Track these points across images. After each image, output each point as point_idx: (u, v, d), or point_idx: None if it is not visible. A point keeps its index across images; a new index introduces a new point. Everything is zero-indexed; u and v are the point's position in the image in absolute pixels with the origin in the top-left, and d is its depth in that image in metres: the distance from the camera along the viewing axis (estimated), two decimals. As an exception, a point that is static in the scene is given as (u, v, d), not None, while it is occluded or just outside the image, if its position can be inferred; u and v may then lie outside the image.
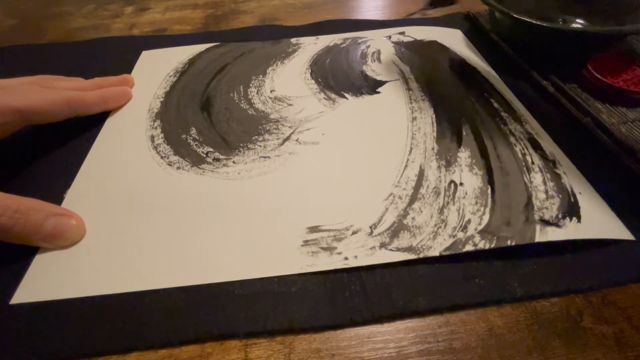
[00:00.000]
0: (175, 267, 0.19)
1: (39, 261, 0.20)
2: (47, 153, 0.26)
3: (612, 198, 0.22)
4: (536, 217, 0.21)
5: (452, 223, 0.21)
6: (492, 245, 0.19)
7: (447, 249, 0.19)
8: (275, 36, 0.39)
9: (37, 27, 0.45)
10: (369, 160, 0.25)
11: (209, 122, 0.28)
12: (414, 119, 0.28)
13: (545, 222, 0.20)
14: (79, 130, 0.28)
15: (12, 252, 0.20)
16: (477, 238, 0.20)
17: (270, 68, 0.34)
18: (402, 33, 0.39)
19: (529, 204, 0.21)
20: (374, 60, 0.35)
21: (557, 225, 0.20)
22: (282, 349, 0.17)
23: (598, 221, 0.21)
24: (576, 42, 0.31)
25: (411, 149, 0.25)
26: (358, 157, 0.25)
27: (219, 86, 0.32)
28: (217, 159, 0.25)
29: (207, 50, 0.37)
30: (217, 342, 0.17)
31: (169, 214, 0.22)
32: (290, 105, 0.30)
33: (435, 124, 0.27)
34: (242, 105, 0.30)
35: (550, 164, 0.24)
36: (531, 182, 0.23)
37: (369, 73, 0.33)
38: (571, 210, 0.21)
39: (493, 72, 0.33)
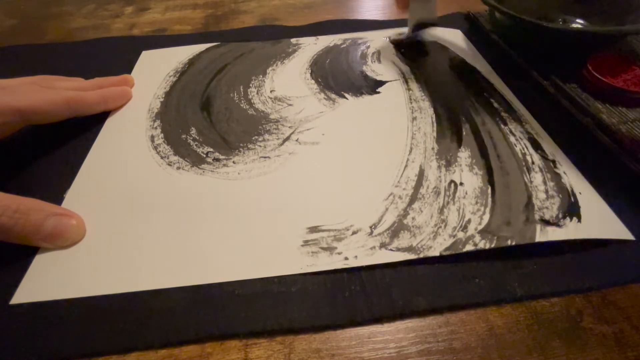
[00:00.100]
0: (175, 267, 0.19)
1: (39, 261, 0.20)
2: (47, 153, 0.26)
3: (612, 198, 0.22)
4: (536, 216, 0.21)
5: (452, 223, 0.21)
6: (493, 245, 0.19)
7: (447, 248, 0.19)
8: (275, 36, 0.39)
9: (37, 27, 0.45)
10: (369, 160, 0.25)
11: (209, 122, 0.28)
12: (414, 119, 0.28)
13: (546, 222, 0.20)
14: (79, 130, 0.28)
15: (12, 252, 0.20)
16: (478, 238, 0.20)
17: (270, 68, 0.34)
18: (402, 34, 0.38)
19: (529, 204, 0.21)
20: (374, 61, 0.35)
21: (557, 225, 0.20)
22: (282, 349, 0.17)
23: (598, 221, 0.21)
24: (576, 42, 0.31)
25: (411, 148, 0.25)
26: (358, 157, 0.25)
27: (219, 86, 0.32)
28: (217, 159, 0.25)
29: (207, 50, 0.37)
30: (217, 342, 0.17)
31: (169, 214, 0.22)
32: (290, 105, 0.30)
33: (435, 124, 0.27)
34: (242, 105, 0.30)
35: (550, 163, 0.24)
36: (531, 182, 0.23)
37: (369, 73, 0.33)
38: (571, 210, 0.21)
39: (493, 72, 0.33)
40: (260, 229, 0.21)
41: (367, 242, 0.20)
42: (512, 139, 0.26)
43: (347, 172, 0.24)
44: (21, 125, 0.25)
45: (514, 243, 0.19)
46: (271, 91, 0.31)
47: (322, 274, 0.19)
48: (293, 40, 0.38)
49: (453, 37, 0.38)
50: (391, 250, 0.20)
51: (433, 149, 0.25)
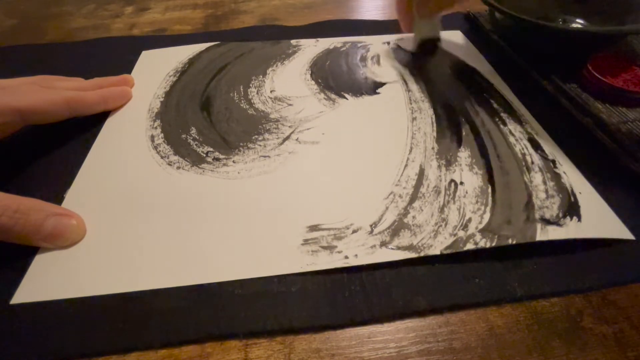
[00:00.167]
0: (175, 267, 0.19)
1: (39, 261, 0.20)
2: (47, 153, 0.26)
3: (612, 198, 0.22)
4: (537, 216, 0.21)
5: (453, 222, 0.21)
6: (493, 244, 0.19)
7: (448, 247, 0.19)
8: (275, 36, 0.39)
9: (37, 27, 0.45)
10: (369, 159, 0.25)
11: (209, 122, 0.28)
12: (414, 119, 0.28)
13: (546, 221, 0.20)
14: (79, 130, 0.28)
15: (12, 252, 0.19)
16: (478, 237, 0.20)
17: (270, 68, 0.34)
18: (402, 40, 0.38)
19: (529, 203, 0.21)
20: (374, 63, 0.35)
21: (557, 224, 0.20)
22: (282, 349, 0.17)
23: (598, 221, 0.21)
24: (576, 42, 0.31)
25: (411, 148, 0.25)
26: (358, 156, 0.25)
27: (218, 86, 0.32)
28: (217, 159, 0.25)
29: (207, 50, 0.37)
30: (217, 342, 0.17)
31: (169, 214, 0.22)
32: (290, 105, 0.30)
33: (435, 124, 0.27)
34: (242, 105, 0.30)
35: (550, 163, 0.24)
36: (531, 182, 0.23)
37: (369, 75, 0.33)
38: (571, 209, 0.21)
39: (493, 72, 0.33)
40: (260, 228, 0.21)
41: (368, 240, 0.20)
42: (512, 139, 0.26)
43: (347, 170, 0.24)
44: (21, 125, 0.25)
45: (514, 242, 0.19)
46: (271, 91, 0.31)
47: (322, 273, 0.19)
48: (293, 41, 0.38)
49: (453, 38, 0.38)
50: (392, 248, 0.20)
51: (433, 148, 0.25)
